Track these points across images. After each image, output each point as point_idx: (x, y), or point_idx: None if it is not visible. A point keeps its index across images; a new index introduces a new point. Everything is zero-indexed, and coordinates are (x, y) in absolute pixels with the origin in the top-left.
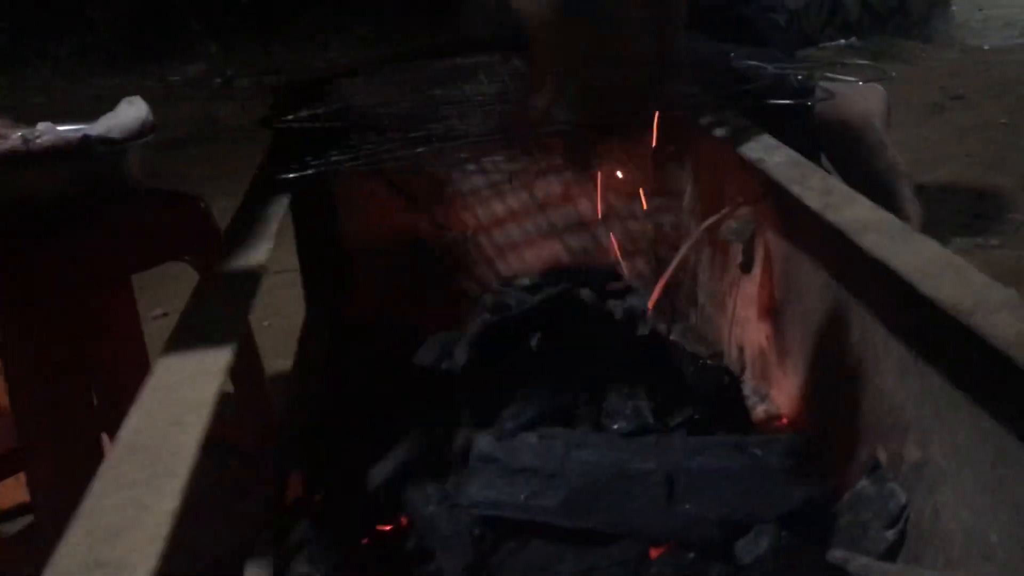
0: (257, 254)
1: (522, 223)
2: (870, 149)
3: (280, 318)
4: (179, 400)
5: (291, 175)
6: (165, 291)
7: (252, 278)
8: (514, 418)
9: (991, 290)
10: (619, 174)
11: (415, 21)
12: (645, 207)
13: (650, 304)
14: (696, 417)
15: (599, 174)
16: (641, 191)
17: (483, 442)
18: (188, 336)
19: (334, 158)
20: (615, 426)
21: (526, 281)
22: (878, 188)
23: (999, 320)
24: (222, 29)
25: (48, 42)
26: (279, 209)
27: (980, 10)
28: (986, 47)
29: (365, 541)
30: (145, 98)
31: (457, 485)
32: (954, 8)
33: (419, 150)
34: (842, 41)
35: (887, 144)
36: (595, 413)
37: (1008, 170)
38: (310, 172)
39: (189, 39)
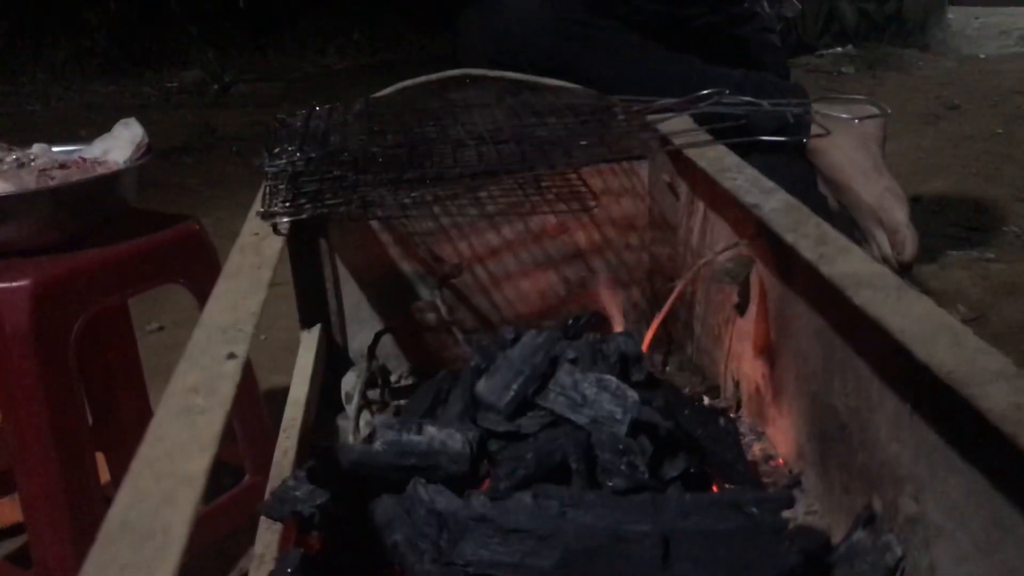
0: (250, 306)
1: (518, 254)
2: (865, 175)
3: (277, 331)
4: (171, 474)
5: (285, 219)
6: (161, 305)
7: (241, 335)
8: (508, 477)
9: (986, 357)
10: (615, 206)
11: (411, 28)
12: (640, 239)
13: (644, 346)
14: (692, 470)
15: (594, 205)
16: (636, 222)
17: (477, 502)
18: (179, 398)
19: (329, 202)
20: (610, 483)
21: (510, 334)
22: (872, 215)
23: (993, 391)
24: (218, 35)
25: (43, 46)
26: (273, 251)
27: (976, 19)
28: (982, 56)
29: None
30: (141, 104)
31: (450, 542)
32: (951, 16)
33: (413, 195)
34: (839, 48)
35: (883, 169)
36: (590, 469)
37: (1003, 181)
38: (303, 217)
39: (185, 45)
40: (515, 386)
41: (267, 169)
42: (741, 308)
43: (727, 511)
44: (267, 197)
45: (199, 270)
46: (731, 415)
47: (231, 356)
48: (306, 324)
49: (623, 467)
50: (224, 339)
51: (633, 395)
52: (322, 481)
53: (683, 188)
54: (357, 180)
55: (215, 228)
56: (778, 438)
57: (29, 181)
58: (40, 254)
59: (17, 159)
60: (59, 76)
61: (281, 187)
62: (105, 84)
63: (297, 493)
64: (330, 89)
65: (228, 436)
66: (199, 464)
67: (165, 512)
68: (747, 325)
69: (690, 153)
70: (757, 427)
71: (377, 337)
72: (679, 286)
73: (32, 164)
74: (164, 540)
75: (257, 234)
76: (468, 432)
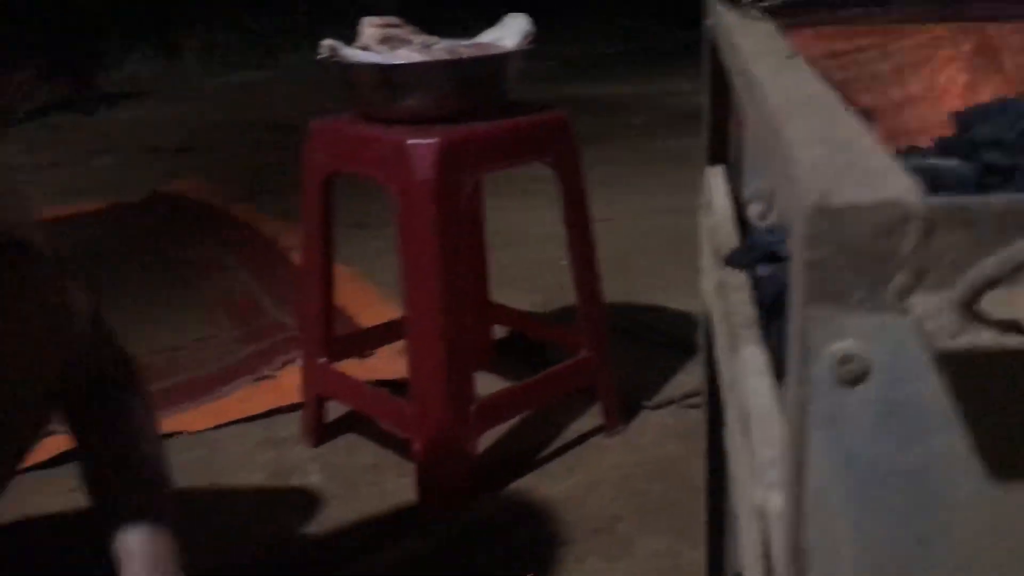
0: None
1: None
2: None
3: None
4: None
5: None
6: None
7: None
8: None
9: None
10: None
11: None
12: None
13: None
14: None
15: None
16: None
17: None
18: None
19: None
20: None
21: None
22: None
23: None
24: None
25: None
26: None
27: None
28: None
29: None
30: None
31: None
32: None
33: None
34: None
35: None
36: None
37: None
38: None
39: None
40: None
41: None
42: None
43: None
44: None
45: (564, 152)
46: None
47: None
48: (711, 162)
49: None
50: None
51: None
52: None
53: None
54: None
55: None
56: None
57: (439, 55)
58: (442, 123)
59: (424, 41)
60: None
61: None
62: None
63: (770, 238)
64: None
65: (564, 318)
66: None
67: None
68: None
69: None
70: None
71: None
72: None
73: (437, 46)
74: None
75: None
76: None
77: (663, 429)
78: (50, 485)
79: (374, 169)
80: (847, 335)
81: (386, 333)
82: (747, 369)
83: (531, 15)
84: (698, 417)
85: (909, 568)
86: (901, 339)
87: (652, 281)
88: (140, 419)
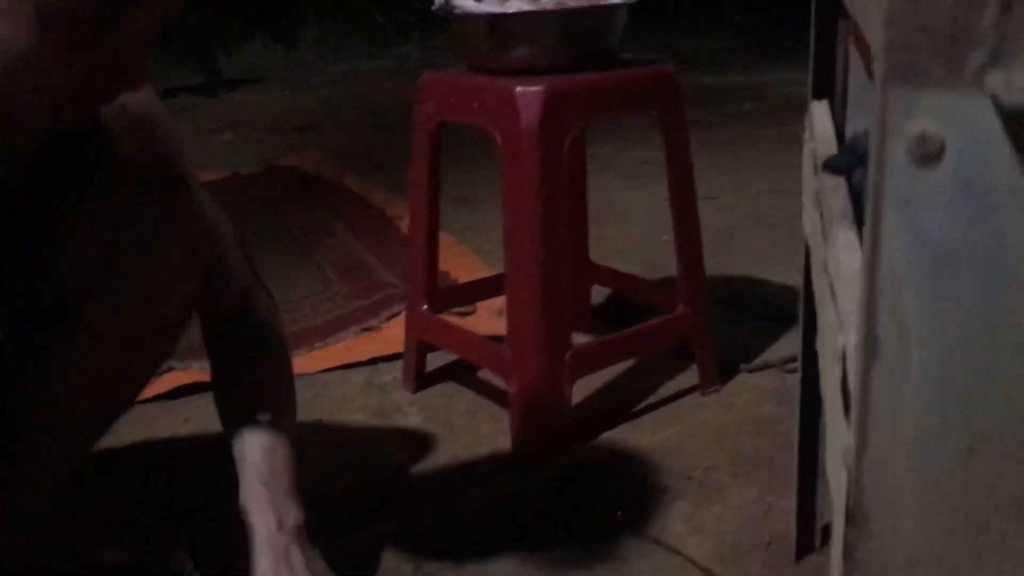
0: None
1: None
2: None
3: None
4: None
5: None
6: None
7: None
8: None
9: None
10: None
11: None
12: None
13: None
14: None
15: None
16: None
17: None
18: None
19: None
20: None
21: None
22: None
23: None
24: None
25: None
26: None
27: None
28: None
29: None
30: None
31: None
32: None
33: None
34: None
35: None
36: None
37: None
38: None
39: None
40: None
41: None
42: None
43: None
44: None
45: (669, 107)
46: None
47: None
48: (816, 96)
49: None
50: None
51: None
52: None
53: None
54: None
55: None
56: None
57: (547, 6)
58: (549, 73)
59: None
60: None
61: None
62: None
63: (866, 143)
64: None
65: (660, 279)
66: None
67: None
68: None
69: None
70: None
71: None
72: None
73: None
74: None
75: None
76: None
77: (760, 391)
78: (167, 415)
79: (481, 117)
80: (924, 114)
81: (487, 288)
82: (838, 247)
83: (641, 12)
84: (796, 382)
85: (975, 347)
86: (978, 118)
87: (754, 257)
88: (274, 344)
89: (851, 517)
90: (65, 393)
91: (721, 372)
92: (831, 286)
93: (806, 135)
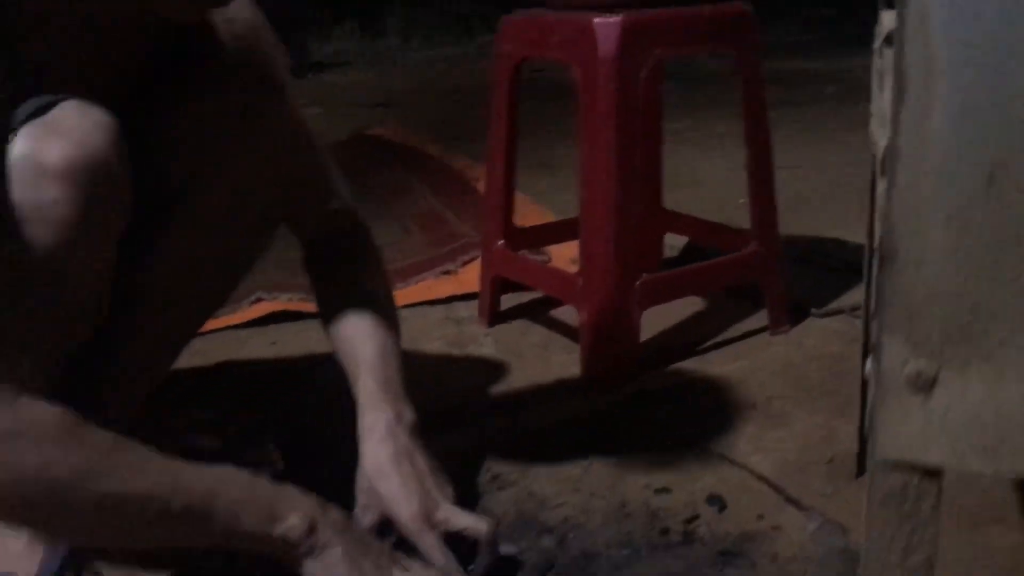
0: None
1: None
2: None
3: None
4: None
5: None
6: None
7: None
8: None
9: None
10: None
11: None
12: None
13: None
14: None
15: None
16: None
17: None
18: None
19: None
20: None
21: None
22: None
23: None
24: None
25: None
26: None
27: None
28: None
29: None
30: None
31: None
32: None
33: None
34: None
35: None
36: None
37: None
38: None
39: None
40: None
41: None
42: None
43: None
44: None
45: (745, 44)
46: None
47: None
48: (886, 5)
49: None
50: None
51: None
52: None
53: None
54: None
55: None
56: None
57: None
58: (625, 8)
59: None
60: None
61: None
62: None
63: None
64: None
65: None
66: None
67: None
68: None
69: None
70: None
71: None
72: None
73: None
74: None
75: None
76: None
77: (829, 333)
78: (254, 339)
79: (559, 51)
80: None
81: (561, 230)
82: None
83: None
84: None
85: (997, 77)
86: None
87: (829, 219)
88: (377, 257)
89: (882, 255)
90: (168, 280)
91: (791, 317)
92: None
93: (876, 41)
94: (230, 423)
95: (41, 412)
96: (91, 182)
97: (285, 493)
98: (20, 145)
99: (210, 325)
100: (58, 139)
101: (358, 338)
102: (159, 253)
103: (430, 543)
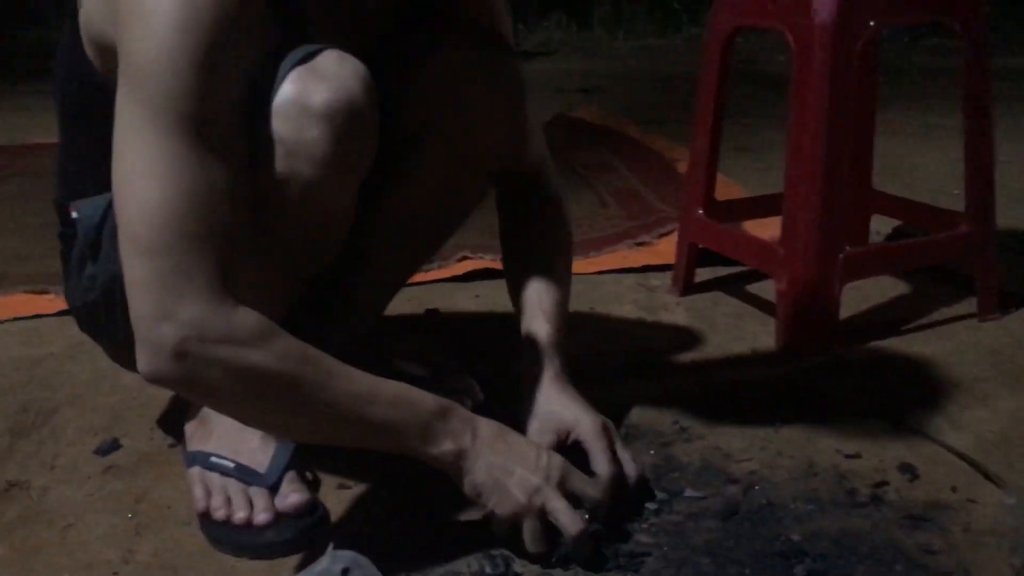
0: None
1: None
2: None
3: None
4: None
5: None
6: None
7: None
8: None
9: None
10: None
11: None
12: None
13: None
14: None
15: None
16: None
17: None
18: None
19: None
20: None
21: None
22: None
23: None
24: None
25: None
26: None
27: None
28: None
29: None
30: None
31: None
32: None
33: None
34: None
35: None
36: None
37: None
38: None
39: None
40: None
41: None
42: None
43: None
44: None
45: (972, 13)
46: None
47: None
48: None
49: None
50: None
51: None
52: None
53: None
54: None
55: None
56: None
57: None
58: None
59: None
60: None
61: None
62: None
63: None
64: None
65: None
66: None
67: None
68: None
69: None
70: None
71: None
72: None
73: None
74: None
75: None
76: None
77: None
78: (460, 292)
79: (775, 17)
80: None
81: (762, 205)
82: None
83: None
84: None
85: None
86: None
87: None
88: (564, 210)
89: None
90: (404, 213)
91: (1002, 304)
92: None
93: None
94: (436, 354)
95: (255, 321)
96: (347, 124)
97: (445, 418)
98: (287, 88)
99: (419, 278)
100: (321, 83)
101: (539, 282)
102: (389, 196)
103: (602, 448)
